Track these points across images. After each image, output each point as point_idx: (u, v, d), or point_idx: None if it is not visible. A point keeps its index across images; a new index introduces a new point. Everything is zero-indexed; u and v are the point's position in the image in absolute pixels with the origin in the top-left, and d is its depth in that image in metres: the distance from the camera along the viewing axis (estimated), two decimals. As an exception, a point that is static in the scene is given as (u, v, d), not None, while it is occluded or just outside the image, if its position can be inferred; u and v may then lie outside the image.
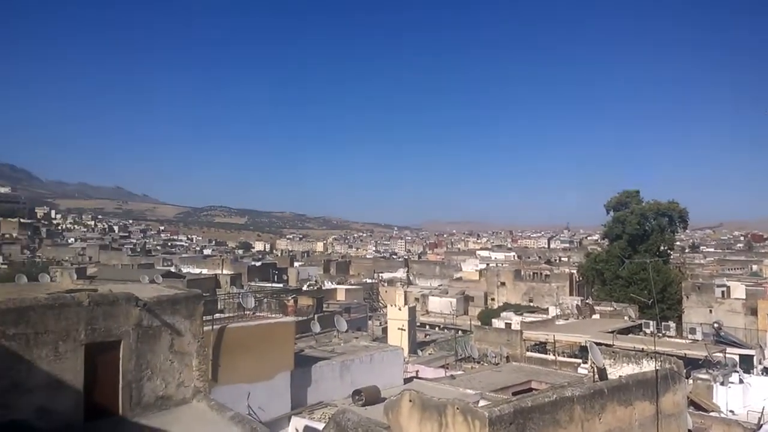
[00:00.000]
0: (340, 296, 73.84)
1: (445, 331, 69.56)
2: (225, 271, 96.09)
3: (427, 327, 73.24)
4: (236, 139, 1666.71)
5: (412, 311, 54.30)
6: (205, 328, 15.23)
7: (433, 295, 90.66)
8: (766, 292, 61.18)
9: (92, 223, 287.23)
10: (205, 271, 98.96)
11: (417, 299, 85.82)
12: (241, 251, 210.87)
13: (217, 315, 19.94)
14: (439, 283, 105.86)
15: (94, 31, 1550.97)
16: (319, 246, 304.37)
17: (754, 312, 58.85)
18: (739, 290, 66.36)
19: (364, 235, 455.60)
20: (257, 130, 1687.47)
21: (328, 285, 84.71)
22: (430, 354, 50.07)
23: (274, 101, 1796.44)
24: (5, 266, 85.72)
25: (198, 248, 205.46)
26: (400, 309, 52.70)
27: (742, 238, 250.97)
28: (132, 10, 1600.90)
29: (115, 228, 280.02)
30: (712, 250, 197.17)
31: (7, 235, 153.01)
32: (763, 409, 26.87)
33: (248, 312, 21.92)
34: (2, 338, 10.97)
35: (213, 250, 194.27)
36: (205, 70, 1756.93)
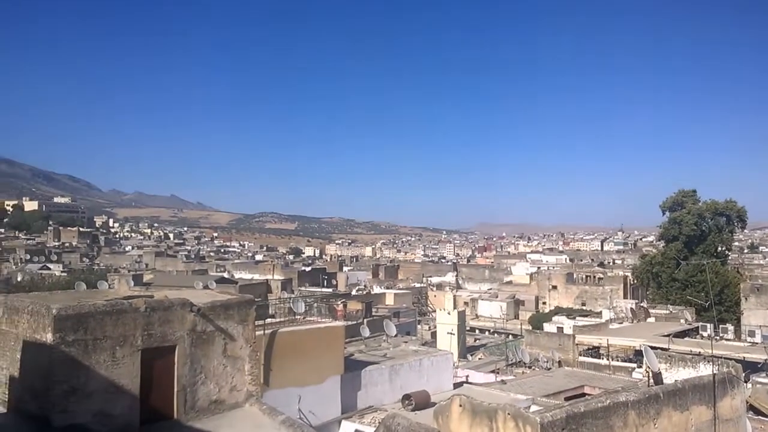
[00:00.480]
0: (389, 301, 73.77)
1: (495, 335, 68.96)
2: (276, 277, 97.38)
3: (477, 331, 72.66)
4: (284, 147, 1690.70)
5: (461, 315, 53.98)
6: (257, 333, 15.50)
7: (482, 299, 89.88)
8: (831, 293, 58.63)
9: (148, 231, 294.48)
10: (256, 276, 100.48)
11: (466, 303, 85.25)
12: (291, 257, 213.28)
13: (269, 320, 20.28)
14: (488, 287, 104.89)
15: (147, 43, 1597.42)
16: (368, 251, 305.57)
17: (819, 314, 56.57)
18: (801, 291, 63.84)
19: (413, 239, 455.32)
20: (305, 138, 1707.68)
21: (376, 289, 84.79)
22: (480, 359, 49.71)
23: (320, 109, 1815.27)
24: (65, 274, 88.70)
25: (250, 254, 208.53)
26: (449, 313, 52.48)
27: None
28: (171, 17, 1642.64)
29: (170, 235, 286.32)
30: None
31: (68, 244, 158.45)
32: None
33: (298, 316, 22.23)
34: (62, 344, 11.36)
35: (264, 255, 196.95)
36: (250, 77, 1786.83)
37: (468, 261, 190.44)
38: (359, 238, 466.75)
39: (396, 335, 42.29)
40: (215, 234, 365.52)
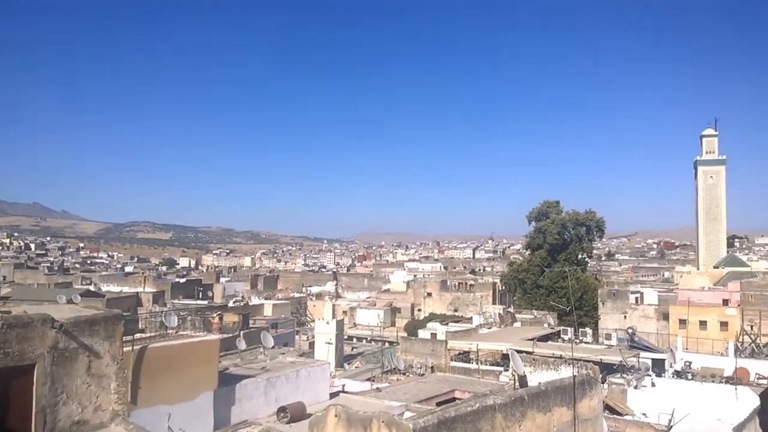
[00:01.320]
0: (267, 311, 72.86)
1: (373, 343, 69.78)
2: (147, 289, 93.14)
3: (355, 340, 73.24)
4: (160, 151, 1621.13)
5: (339, 324, 54.28)
6: (125, 349, 14.86)
7: (361, 308, 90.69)
8: (676, 297, 64.48)
9: (7, 241, 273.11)
10: (126, 289, 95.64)
11: (345, 312, 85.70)
12: (164, 268, 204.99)
13: (138, 335, 19.43)
14: (367, 295, 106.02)
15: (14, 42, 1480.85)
16: (247, 261, 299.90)
17: (665, 317, 62.00)
18: (651, 296, 69.69)
19: (294, 248, 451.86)
20: (182, 143, 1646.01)
21: (255, 300, 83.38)
22: (356, 367, 50.17)
23: (199, 113, 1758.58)
24: None
25: (119, 266, 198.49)
26: (327, 323, 52.62)
27: (655, 246, 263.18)
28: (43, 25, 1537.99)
29: (32, 246, 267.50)
30: (627, 257, 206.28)
31: None
32: (673, 411, 28.25)
33: (171, 331, 21.46)
34: None
35: (135, 267, 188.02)
36: (132, 79, 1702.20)
37: (348, 270, 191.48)
38: (238, 248, 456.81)
39: (273, 347, 41.67)
40: (81, 244, 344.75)
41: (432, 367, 38.82)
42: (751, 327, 53.84)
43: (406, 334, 62.84)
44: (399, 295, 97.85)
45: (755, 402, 31.04)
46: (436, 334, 54.20)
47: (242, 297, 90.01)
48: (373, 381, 33.11)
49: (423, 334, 57.29)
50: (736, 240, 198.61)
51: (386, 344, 61.17)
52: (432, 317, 74.73)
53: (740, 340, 52.21)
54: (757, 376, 37.97)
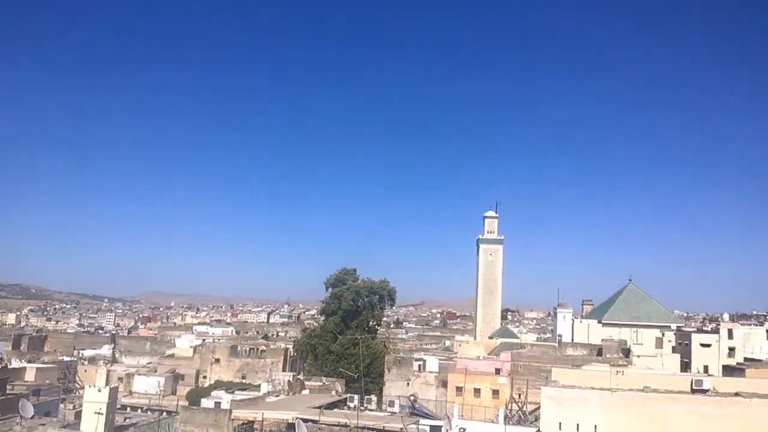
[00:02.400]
0: (30, 376, 64.74)
1: (149, 413, 64.56)
2: None
3: (129, 409, 67.18)
4: None
5: (113, 392, 49.29)
6: None
7: (139, 374, 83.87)
8: (455, 365, 67.98)
9: None
10: None
11: (121, 379, 78.74)
12: None
13: None
14: (148, 360, 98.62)
15: None
16: (11, 318, 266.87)
17: (444, 384, 64.94)
18: (433, 364, 72.87)
19: (68, 306, 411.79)
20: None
21: (15, 363, 73.65)
22: (128, 440, 45.75)
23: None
24: None
25: None
26: (99, 390, 47.60)
27: (439, 316, 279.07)
28: None
29: None
30: (414, 325, 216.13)
31: None
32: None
33: None
34: None
35: None
36: None
37: (129, 332, 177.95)
38: (2, 302, 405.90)
39: (33, 416, 36.82)
40: None
41: (212, 439, 36.60)
42: (519, 395, 58.16)
43: (187, 403, 58.97)
44: (184, 361, 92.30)
45: (520, 467, 33.25)
46: (220, 402, 51.51)
47: (1, 359, 79.15)
48: (145, 456, 30.21)
49: (206, 402, 54.19)
50: (509, 313, 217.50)
51: (164, 414, 56.78)
52: (218, 385, 71.30)
53: (509, 407, 56.08)
54: (523, 441, 40.80)
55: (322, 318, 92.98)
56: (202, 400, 57.02)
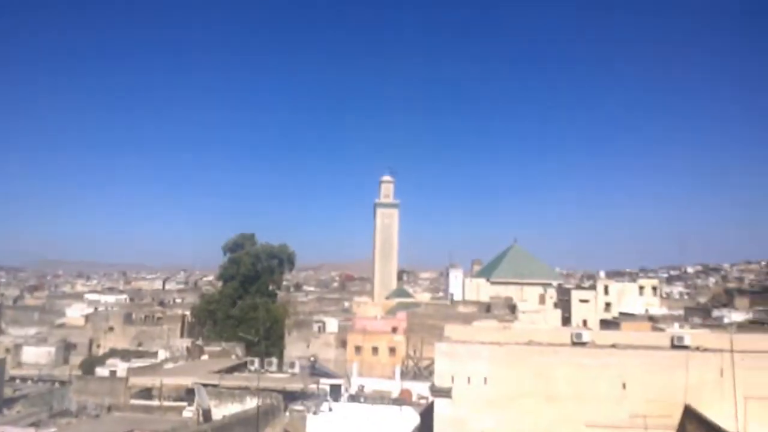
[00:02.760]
0: None
1: (41, 384, 62.23)
2: None
3: (18, 381, 64.43)
4: None
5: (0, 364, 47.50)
6: None
7: (28, 345, 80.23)
8: (354, 326, 69.77)
9: None
10: None
11: (8, 350, 75.15)
12: None
13: None
14: (37, 330, 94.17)
15: None
16: None
17: (344, 344, 66.64)
18: (332, 325, 74.47)
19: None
20: None
21: None
22: (18, 412, 44.15)
23: None
24: None
25: None
26: (-18, 364, 45.53)
27: (337, 278, 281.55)
28: None
29: None
30: (313, 288, 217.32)
31: None
32: (348, 433, 30.41)
33: None
34: None
35: None
36: None
37: (15, 302, 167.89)
38: None
39: None
40: None
41: (109, 407, 36.05)
42: (414, 352, 60.75)
43: (81, 373, 57.30)
44: (76, 330, 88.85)
45: (416, 420, 35.07)
46: (116, 371, 50.50)
47: None
48: (39, 426, 29.52)
49: (101, 371, 52.95)
50: (405, 274, 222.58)
51: (57, 384, 55.03)
52: (113, 353, 69.46)
53: (406, 364, 58.52)
54: (419, 396, 42.96)
55: (221, 283, 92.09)
56: (97, 369, 55.66)
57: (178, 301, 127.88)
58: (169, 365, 46.47)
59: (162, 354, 54.15)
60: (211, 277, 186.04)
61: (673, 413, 33.88)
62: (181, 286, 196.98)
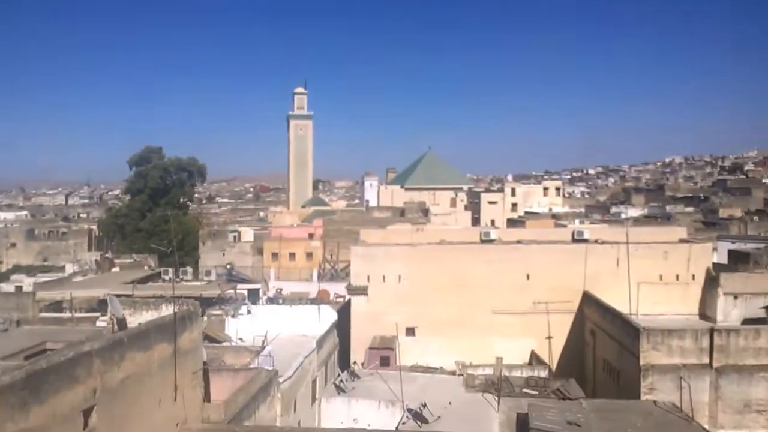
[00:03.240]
0: None
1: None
2: None
3: None
4: None
5: None
6: None
7: None
8: (270, 234, 69.80)
9: None
10: None
11: None
12: None
13: None
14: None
15: None
16: None
17: (260, 252, 66.89)
18: (248, 234, 74.29)
19: None
20: None
21: None
22: None
23: None
24: None
25: None
26: None
27: (251, 190, 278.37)
28: None
29: None
30: (227, 200, 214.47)
31: None
32: (266, 333, 31.12)
33: None
34: None
35: None
36: None
37: None
38: None
39: None
40: None
41: (18, 321, 35.03)
42: (332, 256, 61.78)
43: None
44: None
45: (334, 317, 36.25)
46: (21, 286, 48.87)
47: None
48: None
49: (6, 287, 51.11)
50: (320, 183, 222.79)
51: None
52: (17, 269, 67.07)
53: (323, 267, 59.58)
54: (336, 295, 44.15)
55: (128, 197, 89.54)
56: (1, 285, 53.65)
57: (84, 216, 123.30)
58: (78, 279, 45.36)
59: (70, 268, 52.54)
60: (117, 192, 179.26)
61: (573, 299, 36.63)
62: (86, 201, 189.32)
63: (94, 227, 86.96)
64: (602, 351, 32.69)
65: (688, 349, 26.92)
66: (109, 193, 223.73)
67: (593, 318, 34.50)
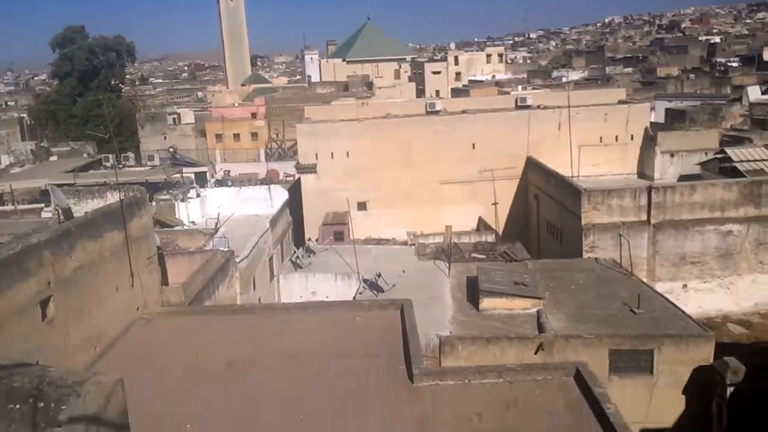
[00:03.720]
0: None
1: None
2: None
3: None
4: None
5: None
6: None
7: None
8: (211, 115, 67.88)
9: None
10: None
11: None
12: None
13: None
14: None
15: None
16: None
17: (203, 134, 65.31)
18: (188, 116, 72.09)
19: None
20: None
21: None
22: None
23: None
24: None
25: None
26: None
27: (186, 69, 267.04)
28: None
29: None
30: (161, 81, 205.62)
31: None
32: (218, 214, 31.15)
33: None
34: None
35: None
36: None
37: None
38: None
39: None
40: None
41: (-43, 218, 34.05)
42: (277, 135, 60.86)
43: None
44: None
45: (285, 196, 36.40)
46: (-46, 182, 46.98)
47: None
48: None
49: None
50: (258, 60, 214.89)
51: None
52: (-55, 165, 64.07)
53: (269, 147, 58.86)
54: (285, 174, 44.08)
55: (56, 82, 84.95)
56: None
57: (11, 104, 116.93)
58: (16, 170, 43.81)
59: (5, 159, 50.50)
60: (43, 76, 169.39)
61: (518, 165, 37.57)
62: (11, 88, 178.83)
63: (25, 115, 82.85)
64: (546, 213, 34.03)
65: (627, 208, 28.23)
66: (35, 78, 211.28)
67: (536, 182, 35.57)
